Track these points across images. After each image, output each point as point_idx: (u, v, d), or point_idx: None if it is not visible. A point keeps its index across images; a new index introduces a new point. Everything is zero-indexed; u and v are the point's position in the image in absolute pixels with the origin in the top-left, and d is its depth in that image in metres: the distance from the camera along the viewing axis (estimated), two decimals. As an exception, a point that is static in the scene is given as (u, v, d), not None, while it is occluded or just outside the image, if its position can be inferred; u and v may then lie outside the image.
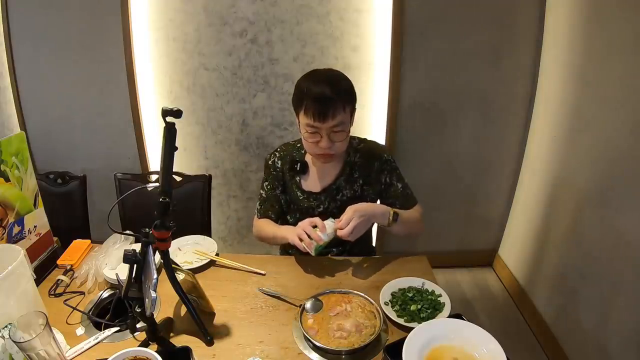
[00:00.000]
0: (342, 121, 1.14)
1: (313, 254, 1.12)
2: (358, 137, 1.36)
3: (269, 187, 1.37)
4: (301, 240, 1.11)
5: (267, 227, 1.33)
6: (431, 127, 2.13)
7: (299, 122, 1.21)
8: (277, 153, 1.37)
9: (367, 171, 1.31)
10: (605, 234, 1.51)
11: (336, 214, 1.28)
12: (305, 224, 1.14)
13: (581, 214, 1.66)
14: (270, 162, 1.37)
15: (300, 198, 1.33)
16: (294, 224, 1.34)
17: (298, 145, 1.36)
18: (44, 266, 1.20)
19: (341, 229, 1.12)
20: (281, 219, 1.42)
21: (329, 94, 1.11)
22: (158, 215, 0.86)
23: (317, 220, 1.14)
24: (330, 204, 1.32)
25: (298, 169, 1.31)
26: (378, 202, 1.36)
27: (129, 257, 0.83)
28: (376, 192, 1.34)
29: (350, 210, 1.13)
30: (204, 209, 1.64)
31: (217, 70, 2.03)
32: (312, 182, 1.33)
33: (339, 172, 1.31)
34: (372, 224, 1.21)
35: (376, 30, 1.95)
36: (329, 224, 1.14)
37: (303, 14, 1.92)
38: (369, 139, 1.38)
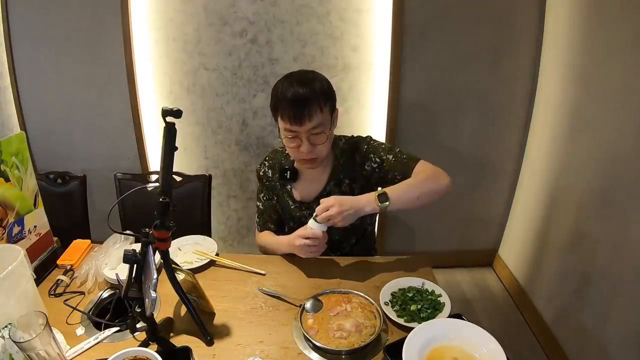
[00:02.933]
0: (321, 122, 1.10)
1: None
2: (344, 137, 1.31)
3: (265, 198, 1.36)
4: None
5: (269, 239, 1.32)
6: (431, 127, 2.13)
7: (279, 129, 1.17)
8: (266, 162, 1.35)
9: (351, 168, 1.27)
10: (606, 234, 1.51)
11: None
12: (304, 242, 1.11)
13: (581, 214, 1.66)
14: (261, 174, 1.35)
15: (292, 207, 1.31)
16: (290, 232, 1.34)
17: (286, 152, 1.31)
18: (44, 266, 1.20)
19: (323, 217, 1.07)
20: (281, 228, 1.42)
21: (303, 94, 1.07)
22: (158, 215, 0.86)
23: (304, 233, 1.12)
24: None
25: (288, 177, 1.28)
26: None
27: (129, 257, 0.83)
28: (363, 187, 1.26)
29: (327, 201, 1.07)
30: (204, 209, 1.64)
31: (217, 70, 2.03)
32: (304, 191, 1.30)
33: (328, 177, 1.28)
34: (359, 214, 1.09)
35: (376, 30, 1.95)
36: (316, 224, 1.10)
37: (303, 14, 1.92)
38: (355, 135, 1.32)
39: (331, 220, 1.06)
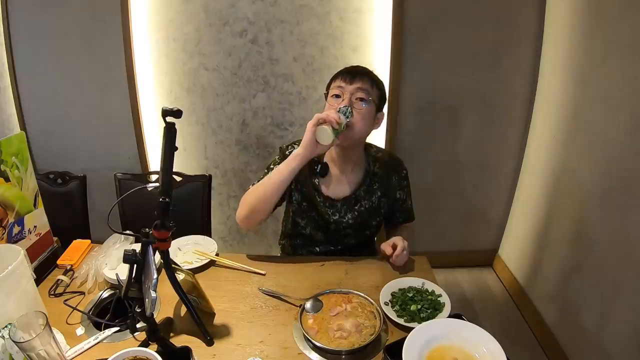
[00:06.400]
0: (368, 89, 1.16)
1: (331, 138, 1.08)
2: (375, 146, 1.36)
3: None
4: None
5: (266, 177, 1.21)
6: (431, 127, 2.13)
7: (326, 104, 1.22)
8: (295, 146, 1.27)
9: (386, 183, 1.30)
10: (606, 234, 1.51)
11: (350, 224, 1.29)
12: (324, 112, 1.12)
13: (581, 214, 1.66)
14: (287, 153, 1.26)
15: (318, 200, 1.29)
16: (305, 226, 1.34)
17: None
18: (44, 266, 1.20)
19: (393, 253, 1.18)
20: (284, 220, 1.41)
21: (362, 67, 1.21)
22: (158, 215, 0.86)
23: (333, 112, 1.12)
24: (347, 213, 1.29)
25: (318, 170, 1.27)
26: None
27: (129, 257, 0.83)
28: (390, 205, 1.33)
29: (402, 243, 1.18)
30: (204, 209, 1.63)
31: (217, 70, 2.03)
32: (332, 188, 1.29)
33: (360, 181, 1.29)
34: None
35: (376, 30, 1.95)
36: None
37: (303, 14, 1.92)
38: (387, 149, 1.40)
39: (398, 257, 1.18)
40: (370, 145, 1.34)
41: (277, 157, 1.32)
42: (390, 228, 1.42)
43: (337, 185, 1.29)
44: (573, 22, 1.71)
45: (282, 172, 1.16)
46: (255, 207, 1.21)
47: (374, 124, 1.23)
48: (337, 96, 1.18)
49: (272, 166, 1.30)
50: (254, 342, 0.94)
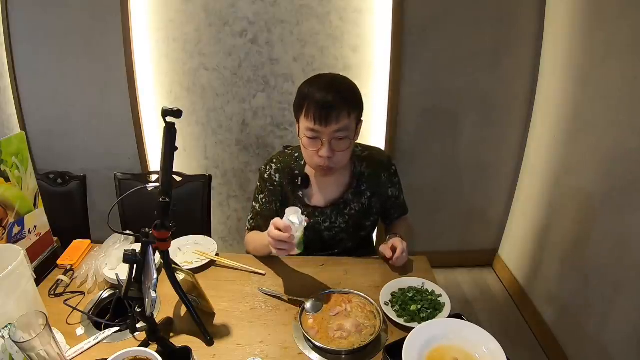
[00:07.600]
0: (346, 127, 1.07)
1: (298, 251, 1.04)
2: (360, 144, 1.30)
3: (264, 200, 1.28)
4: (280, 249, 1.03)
5: (257, 237, 1.26)
6: (431, 127, 2.13)
7: (298, 129, 1.14)
8: (272, 165, 1.27)
9: (375, 183, 1.27)
10: (606, 234, 1.51)
11: (343, 229, 1.28)
12: (272, 234, 1.02)
13: (581, 214, 1.66)
14: (266, 176, 1.27)
15: (305, 214, 1.26)
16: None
17: (295, 155, 1.28)
18: (44, 266, 1.20)
19: (393, 255, 1.17)
20: None
21: (334, 96, 1.05)
22: (158, 215, 0.86)
23: (278, 223, 1.02)
24: (337, 218, 1.27)
25: (299, 183, 1.23)
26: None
27: (129, 257, 0.83)
28: (382, 203, 1.31)
29: (401, 245, 1.17)
30: (204, 209, 1.64)
31: (217, 70, 2.03)
32: (317, 196, 1.25)
33: (347, 184, 1.25)
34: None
35: (376, 30, 1.95)
36: (292, 218, 1.03)
37: (303, 14, 1.92)
38: (369, 144, 1.34)
39: (398, 259, 1.16)
40: (355, 144, 1.25)
41: (258, 183, 1.32)
42: (388, 224, 1.40)
43: (323, 192, 1.25)
44: (573, 22, 1.71)
45: (263, 252, 1.22)
46: (258, 254, 1.28)
47: (356, 139, 1.17)
48: (314, 138, 1.09)
49: (257, 195, 1.31)
50: (254, 342, 0.94)
